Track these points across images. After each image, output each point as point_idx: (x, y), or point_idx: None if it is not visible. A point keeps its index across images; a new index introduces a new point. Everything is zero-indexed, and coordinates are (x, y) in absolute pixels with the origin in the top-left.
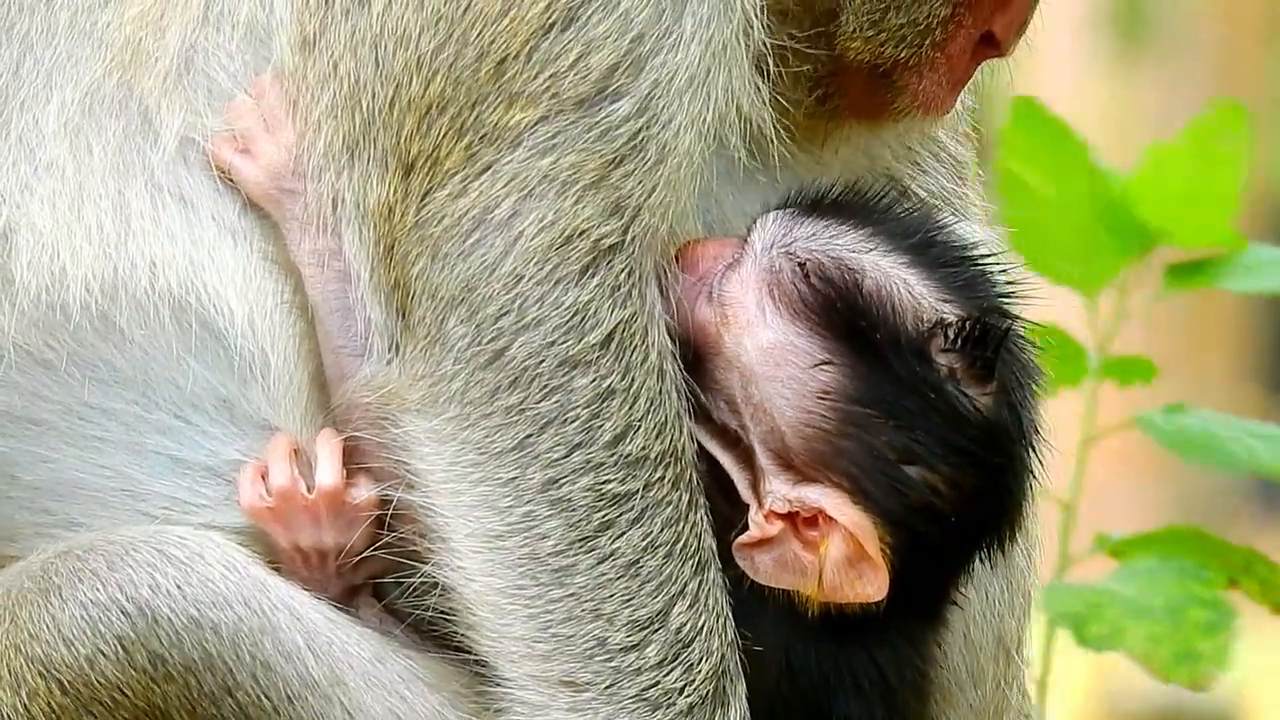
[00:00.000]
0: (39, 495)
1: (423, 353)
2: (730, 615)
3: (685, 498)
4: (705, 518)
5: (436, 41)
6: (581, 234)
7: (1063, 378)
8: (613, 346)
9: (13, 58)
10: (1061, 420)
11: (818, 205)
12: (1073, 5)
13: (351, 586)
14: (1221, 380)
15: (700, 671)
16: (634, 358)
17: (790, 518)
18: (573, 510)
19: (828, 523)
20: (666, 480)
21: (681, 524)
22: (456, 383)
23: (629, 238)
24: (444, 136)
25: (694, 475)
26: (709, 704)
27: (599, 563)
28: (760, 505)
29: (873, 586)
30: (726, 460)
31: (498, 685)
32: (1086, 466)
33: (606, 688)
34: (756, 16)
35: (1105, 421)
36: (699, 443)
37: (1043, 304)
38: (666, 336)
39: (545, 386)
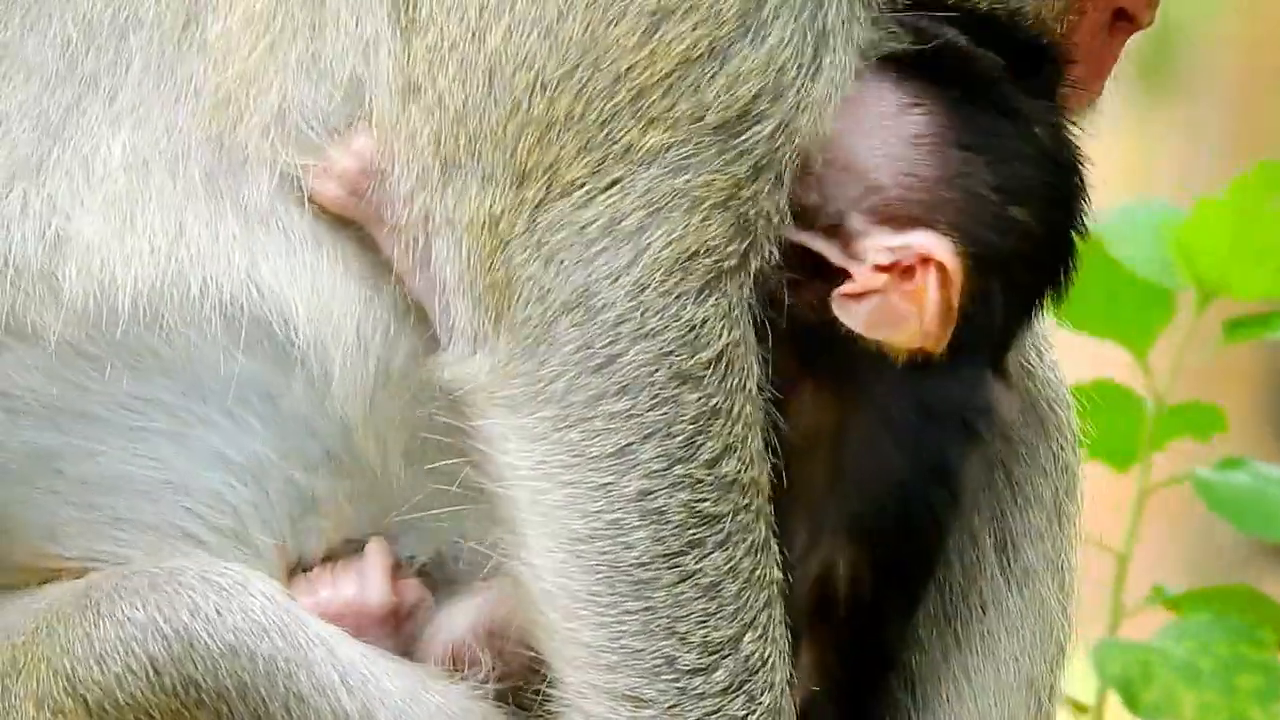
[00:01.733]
0: (85, 490)
1: (525, 351)
2: (788, 654)
3: (764, 530)
4: (777, 557)
5: (567, 65)
6: (707, 252)
7: (1118, 431)
8: (721, 367)
9: (74, 93)
10: (1115, 475)
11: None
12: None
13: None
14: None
15: (762, 704)
16: (737, 381)
17: (890, 269)
18: (665, 524)
19: (928, 267)
20: (752, 509)
21: (760, 554)
22: (559, 384)
23: (748, 261)
24: (565, 150)
25: (770, 514)
26: None
27: (680, 580)
28: (860, 262)
29: (947, 338)
30: (819, 242)
31: (557, 689)
32: (1142, 518)
33: (670, 707)
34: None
35: (1162, 473)
36: (791, 239)
37: (1093, 361)
38: (759, 369)
39: (655, 397)
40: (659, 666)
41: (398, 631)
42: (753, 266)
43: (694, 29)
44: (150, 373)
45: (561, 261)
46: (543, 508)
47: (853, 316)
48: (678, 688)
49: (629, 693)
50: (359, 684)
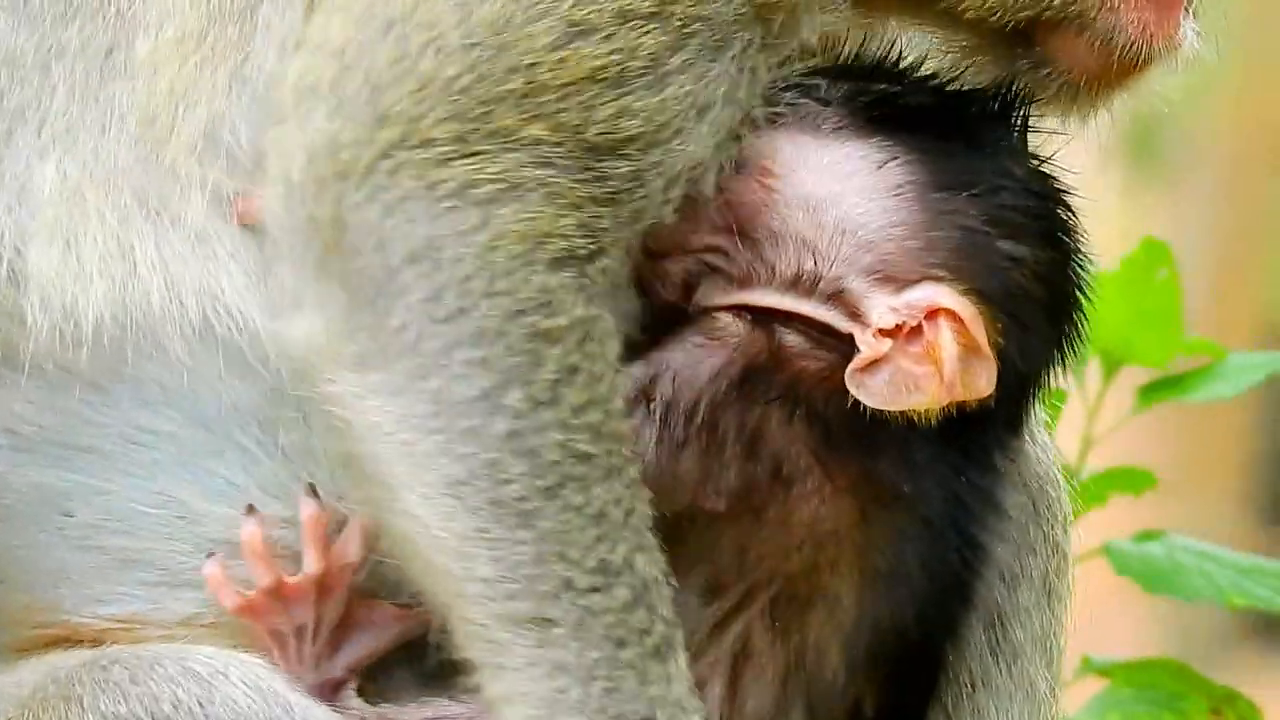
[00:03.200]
0: (94, 532)
1: (367, 304)
2: (669, 574)
3: (634, 472)
4: (648, 497)
5: (470, 40)
6: (559, 235)
7: None
8: (577, 333)
9: (5, 127)
10: None
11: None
12: (1087, 130)
13: (335, 681)
14: (1222, 503)
15: (660, 615)
16: (597, 349)
17: (896, 333)
18: (539, 461)
19: (935, 320)
20: (622, 453)
21: (638, 490)
22: (409, 334)
23: (599, 257)
24: (436, 110)
25: (637, 467)
26: (667, 646)
27: (564, 510)
28: (865, 326)
29: (985, 379)
30: (816, 309)
31: (460, 629)
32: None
33: (576, 624)
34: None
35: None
36: (783, 311)
37: None
38: (620, 348)
39: (511, 347)
40: (558, 589)
41: (330, 596)
42: (605, 269)
43: (610, 53)
44: (155, 403)
45: (405, 213)
46: (415, 458)
47: (869, 392)
48: (580, 605)
49: (534, 615)
50: None
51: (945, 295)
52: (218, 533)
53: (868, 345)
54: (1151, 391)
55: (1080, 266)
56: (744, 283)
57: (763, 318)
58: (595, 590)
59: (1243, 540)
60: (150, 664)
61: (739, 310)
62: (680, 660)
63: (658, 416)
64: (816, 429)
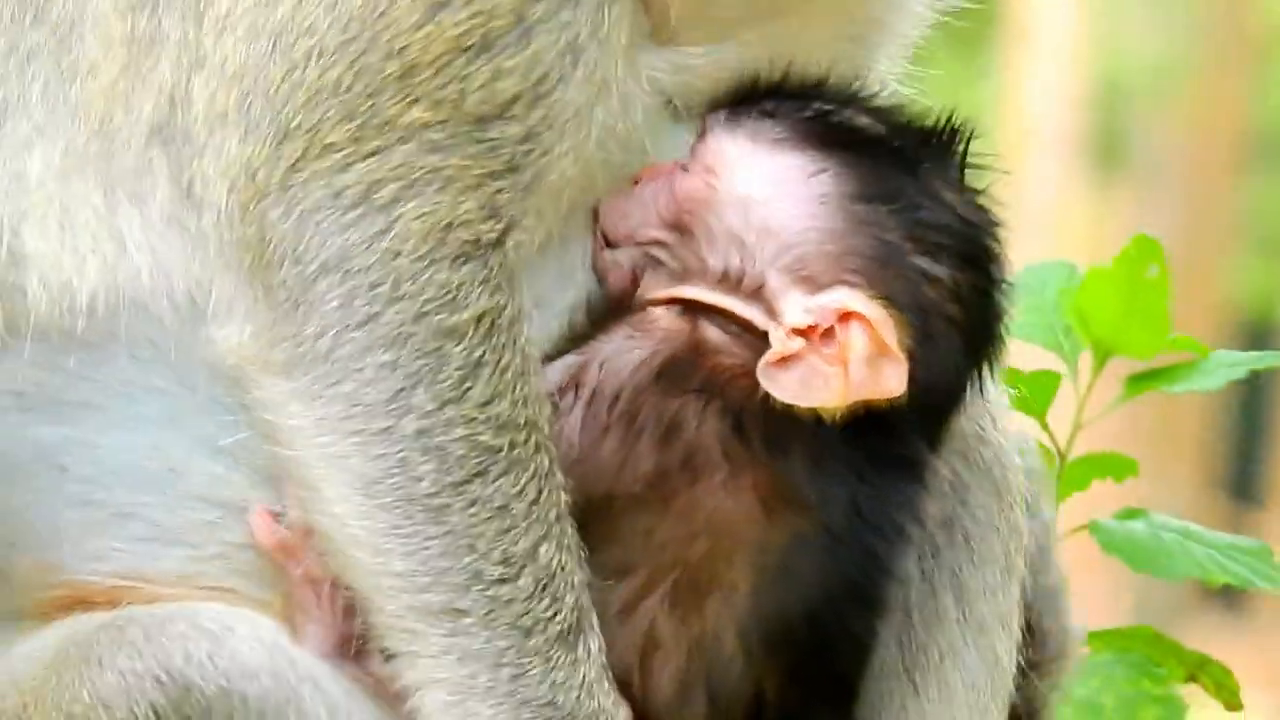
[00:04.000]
0: (89, 487)
1: (286, 314)
2: (583, 559)
3: (546, 460)
4: (562, 481)
5: (345, 36)
6: (461, 224)
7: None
8: (484, 325)
9: None
10: None
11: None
12: (1055, 131)
13: (357, 642)
14: (1189, 486)
15: (566, 603)
16: (503, 339)
17: (809, 333)
18: (446, 457)
19: (847, 323)
20: (530, 443)
21: (545, 479)
22: (324, 341)
23: (507, 240)
24: (330, 115)
25: (551, 446)
26: (574, 631)
27: (471, 504)
28: (780, 324)
29: (895, 380)
30: (738, 304)
31: (377, 620)
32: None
33: (485, 614)
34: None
35: (1072, 520)
36: (710, 305)
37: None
38: (532, 330)
39: (419, 349)
40: (468, 581)
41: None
42: (510, 246)
43: (470, 18)
44: (147, 360)
45: (317, 224)
46: (331, 460)
47: (780, 386)
48: (488, 596)
49: (446, 607)
50: (344, 718)
51: (857, 300)
52: (204, 488)
53: (780, 342)
54: (1139, 381)
55: (1000, 293)
56: (680, 277)
57: (691, 311)
58: (503, 581)
59: (1211, 518)
60: (163, 622)
61: (671, 303)
62: (591, 643)
63: (584, 402)
64: (729, 424)
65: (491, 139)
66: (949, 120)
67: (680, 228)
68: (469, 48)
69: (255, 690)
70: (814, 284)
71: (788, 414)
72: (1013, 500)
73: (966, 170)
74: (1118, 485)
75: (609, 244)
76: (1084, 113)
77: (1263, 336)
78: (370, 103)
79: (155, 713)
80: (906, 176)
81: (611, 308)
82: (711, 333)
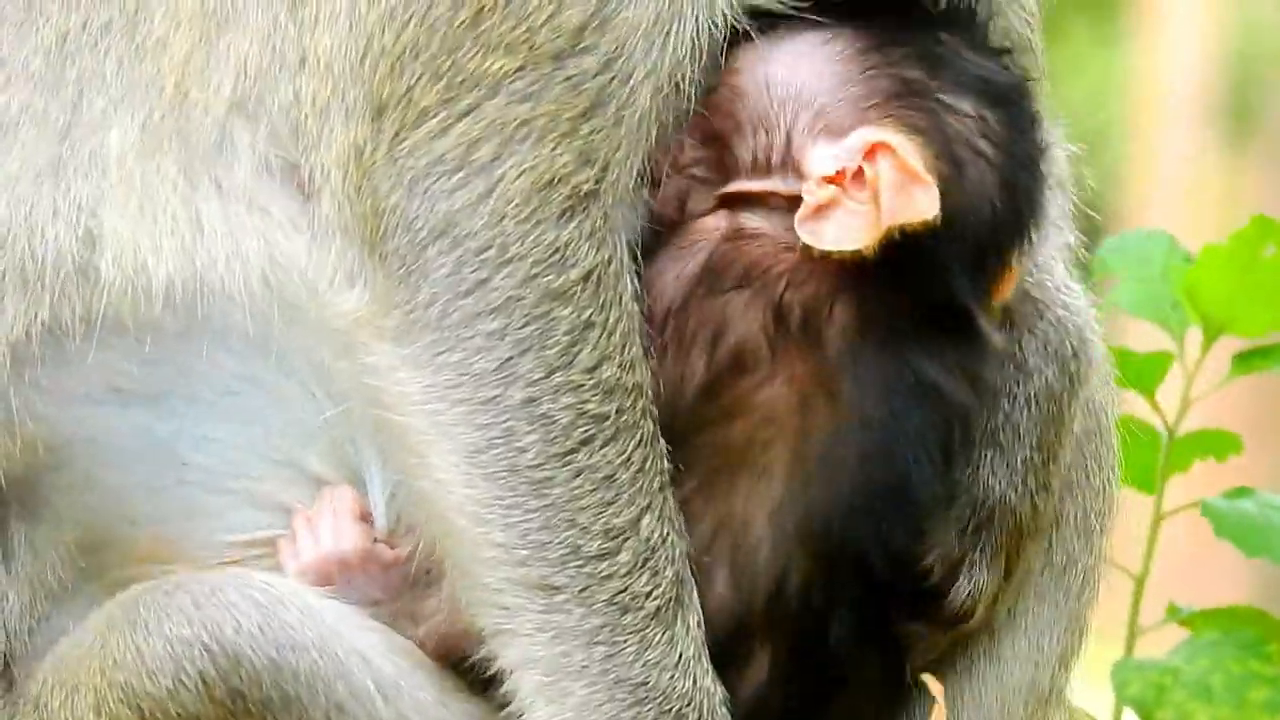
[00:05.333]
0: (214, 476)
1: (399, 282)
2: (684, 531)
3: (651, 426)
4: (663, 447)
5: None
6: (561, 180)
7: (1134, 460)
8: (591, 283)
9: (71, 94)
10: (1136, 497)
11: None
12: (1187, 100)
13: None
14: None
15: (665, 577)
16: (610, 296)
17: (839, 179)
18: (552, 426)
19: (873, 158)
20: (637, 408)
21: (650, 446)
22: (435, 309)
23: (603, 187)
24: (418, 80)
25: (655, 410)
26: (672, 607)
27: (575, 475)
28: (808, 177)
29: (926, 202)
30: (772, 182)
31: (473, 592)
32: (1158, 543)
33: (580, 590)
34: None
35: (1183, 497)
36: (748, 193)
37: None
38: (637, 285)
39: (527, 315)
40: (566, 556)
41: (384, 582)
42: (610, 191)
43: None
44: (241, 352)
45: (425, 191)
46: (439, 427)
47: (820, 237)
48: (585, 572)
49: (541, 582)
50: (394, 693)
51: (879, 132)
52: (316, 466)
53: (810, 193)
54: (1246, 360)
55: (1035, 136)
56: (720, 183)
57: (731, 208)
58: (601, 556)
59: None
60: (213, 590)
61: (714, 208)
62: (690, 618)
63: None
64: (771, 313)
65: (571, 76)
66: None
67: (715, 137)
68: None
69: (305, 663)
70: (837, 131)
71: (826, 290)
72: (1101, 462)
73: (990, 42)
74: (1222, 464)
75: (654, 182)
76: (1216, 82)
77: None
78: (450, 59)
79: (204, 681)
80: (922, 32)
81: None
82: (750, 220)
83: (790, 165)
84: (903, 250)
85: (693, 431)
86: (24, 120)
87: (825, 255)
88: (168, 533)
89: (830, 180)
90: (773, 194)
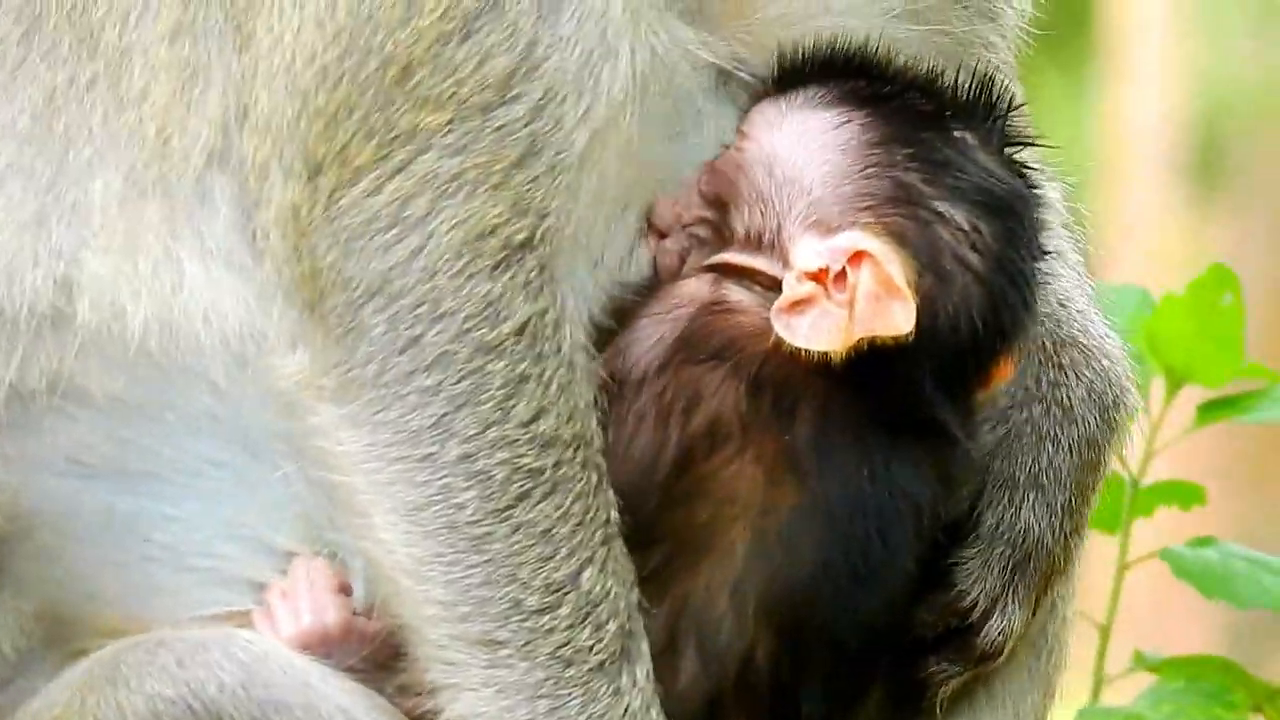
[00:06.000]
0: (178, 554)
1: (337, 341)
2: (634, 581)
3: (594, 477)
4: (612, 498)
5: (340, 51)
6: (493, 231)
7: (1101, 509)
8: (526, 336)
9: (58, 148)
10: (1101, 547)
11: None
12: (1154, 152)
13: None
14: None
15: (609, 631)
16: (547, 348)
17: (821, 276)
18: (489, 482)
19: (857, 262)
20: (576, 461)
21: (591, 498)
22: (371, 367)
23: (538, 236)
24: (353, 137)
25: (601, 461)
26: (617, 660)
27: (514, 531)
28: (791, 268)
29: (902, 317)
30: (760, 260)
31: (420, 649)
32: (1122, 591)
33: (523, 645)
34: None
35: (1149, 546)
36: (735, 266)
37: None
38: (580, 333)
39: (461, 370)
40: (507, 610)
41: (367, 655)
42: (546, 240)
43: (442, 1)
44: (206, 433)
45: (361, 249)
46: (379, 486)
47: (793, 331)
48: (527, 627)
49: (484, 638)
50: None
51: (866, 239)
52: (281, 538)
53: (790, 286)
54: (1210, 411)
55: (1029, 251)
56: (716, 249)
57: (717, 277)
58: (543, 611)
59: None
60: (196, 649)
61: (701, 274)
62: (638, 671)
63: (617, 397)
64: (744, 388)
65: (501, 126)
66: (989, 88)
67: (718, 202)
68: (451, 33)
69: None
70: (827, 228)
71: (800, 374)
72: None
73: (1007, 138)
74: (1186, 512)
75: (661, 235)
76: (1183, 134)
77: None
78: (383, 116)
79: None
80: (935, 129)
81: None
82: (733, 293)
83: (779, 249)
84: (875, 357)
85: (660, 506)
86: (10, 175)
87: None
88: (130, 609)
89: (812, 276)
90: (760, 272)
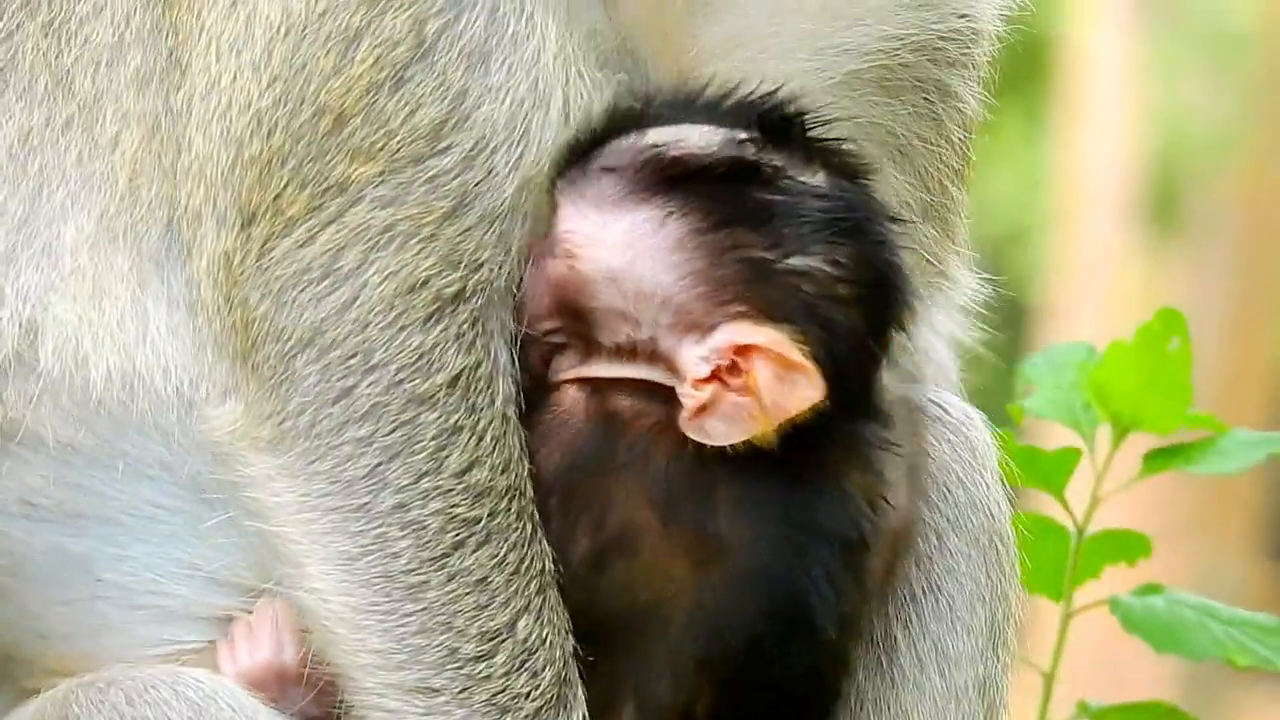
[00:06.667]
0: (128, 593)
1: (269, 392)
2: (569, 630)
3: (529, 527)
4: (547, 549)
5: (274, 98)
6: (425, 283)
7: (1047, 560)
8: (459, 388)
9: (31, 188)
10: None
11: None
12: (1110, 196)
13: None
14: (1237, 557)
15: (545, 678)
16: (480, 400)
17: (714, 377)
18: (423, 532)
19: (746, 355)
20: (511, 511)
21: (525, 548)
22: (304, 418)
23: (469, 288)
24: (286, 186)
25: (534, 511)
26: (553, 707)
27: (449, 580)
28: (683, 379)
29: (812, 388)
30: (642, 370)
31: (356, 696)
32: (1067, 640)
33: (459, 693)
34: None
35: (1094, 593)
36: (614, 377)
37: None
38: (511, 388)
39: (394, 421)
40: (443, 658)
41: (320, 700)
42: (479, 292)
43: (374, 48)
44: (158, 479)
45: (293, 300)
46: (314, 536)
47: (708, 434)
48: (463, 674)
49: (420, 685)
50: None
51: (744, 331)
52: (227, 576)
53: (689, 397)
54: (1156, 459)
55: (883, 243)
56: (583, 357)
57: (600, 388)
58: (478, 659)
59: (1264, 587)
60: (145, 687)
61: (580, 383)
62: (574, 717)
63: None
64: (656, 491)
65: (432, 177)
66: (778, 104)
67: (565, 312)
68: (382, 82)
69: None
70: (701, 329)
71: (711, 462)
72: (1002, 570)
73: (814, 142)
74: (1157, 552)
75: (522, 334)
76: (1138, 179)
77: None
78: (315, 166)
79: None
80: (753, 184)
81: (533, 388)
82: (623, 404)
83: (660, 358)
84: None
85: (585, 595)
86: None
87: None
88: (82, 647)
89: (705, 381)
90: (641, 381)
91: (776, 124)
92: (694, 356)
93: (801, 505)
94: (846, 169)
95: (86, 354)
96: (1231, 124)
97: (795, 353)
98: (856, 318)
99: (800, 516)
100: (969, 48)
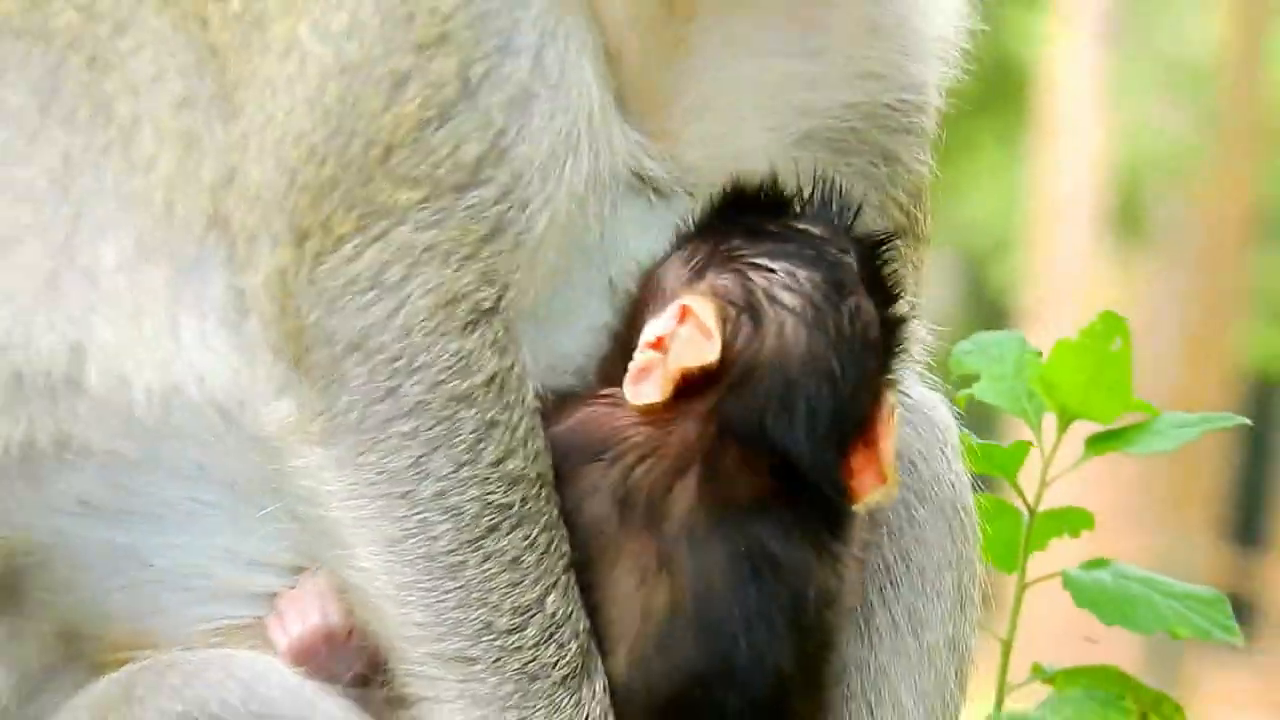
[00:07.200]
0: (178, 576)
1: (321, 391)
2: (583, 606)
3: (555, 512)
4: (566, 534)
5: (327, 132)
6: (463, 297)
7: (999, 536)
8: (495, 386)
9: (71, 211)
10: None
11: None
12: (1082, 210)
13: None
14: (1199, 534)
15: (570, 649)
16: (514, 398)
17: (658, 345)
18: (462, 516)
19: (684, 318)
20: (541, 497)
21: (554, 530)
22: (353, 414)
23: (502, 304)
24: (336, 209)
25: (558, 498)
26: (578, 675)
27: (485, 560)
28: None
29: (706, 348)
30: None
31: (400, 665)
32: (1022, 610)
33: (494, 662)
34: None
35: (1046, 566)
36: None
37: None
38: (537, 388)
39: (436, 417)
40: (479, 631)
41: (369, 659)
42: (511, 307)
43: (423, 89)
44: (195, 479)
45: (342, 309)
46: (362, 521)
47: (634, 393)
48: (497, 645)
49: (458, 655)
50: None
51: (688, 298)
52: (282, 574)
53: (636, 360)
54: (1097, 443)
55: (859, 292)
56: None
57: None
58: (511, 631)
59: (1218, 565)
60: (200, 668)
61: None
62: (596, 684)
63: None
64: (621, 490)
65: (471, 205)
66: (770, 185)
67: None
68: (429, 120)
69: None
70: (667, 303)
71: (670, 471)
72: (965, 539)
73: (853, 232)
74: (1076, 539)
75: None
76: (1107, 194)
77: (1269, 397)
78: (365, 191)
79: None
80: (768, 219)
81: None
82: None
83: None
84: (734, 412)
85: None
86: (27, 237)
87: (667, 427)
88: (139, 626)
89: (653, 346)
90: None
91: (777, 198)
92: (653, 325)
93: (752, 535)
94: (870, 243)
95: (128, 373)
96: (1192, 142)
97: (713, 319)
98: (791, 323)
99: (752, 546)
100: (914, 117)
